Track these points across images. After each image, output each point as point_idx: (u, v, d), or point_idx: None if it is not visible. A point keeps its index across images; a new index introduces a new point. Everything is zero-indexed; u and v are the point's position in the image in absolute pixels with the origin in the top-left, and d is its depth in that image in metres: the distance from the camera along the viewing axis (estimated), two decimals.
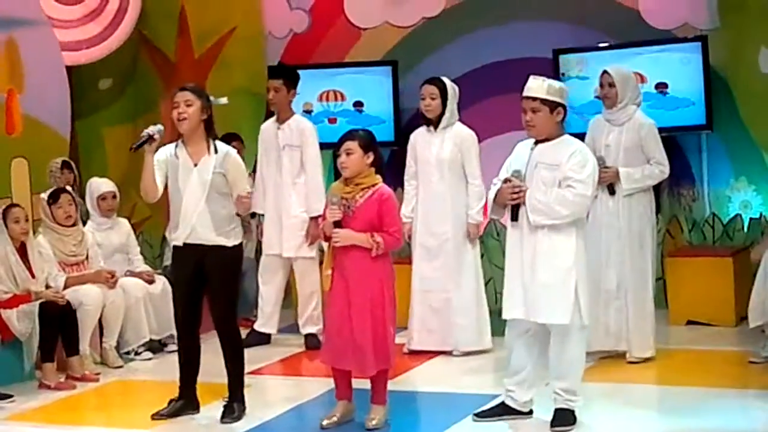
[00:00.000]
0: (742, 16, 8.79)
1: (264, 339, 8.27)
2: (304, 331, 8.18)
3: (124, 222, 8.41)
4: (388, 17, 9.91)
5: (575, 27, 9.29)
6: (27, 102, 8.70)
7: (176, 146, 6.16)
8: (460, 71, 9.38)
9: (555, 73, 9.06)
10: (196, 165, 6.10)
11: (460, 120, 7.72)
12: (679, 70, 8.80)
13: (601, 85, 7.13)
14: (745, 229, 8.85)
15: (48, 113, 8.88)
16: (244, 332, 8.32)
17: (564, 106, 5.72)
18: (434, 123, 7.65)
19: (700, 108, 8.75)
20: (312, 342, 8.02)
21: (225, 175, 6.10)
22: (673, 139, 9.04)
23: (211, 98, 6.22)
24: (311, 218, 7.99)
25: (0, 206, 7.52)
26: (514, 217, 5.74)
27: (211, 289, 6.19)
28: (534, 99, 5.66)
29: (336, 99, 9.85)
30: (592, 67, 8.64)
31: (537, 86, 5.69)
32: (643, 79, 8.71)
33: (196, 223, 6.08)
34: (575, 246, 5.65)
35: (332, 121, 9.75)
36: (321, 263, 8.14)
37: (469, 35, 9.63)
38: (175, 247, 6.24)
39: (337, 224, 5.79)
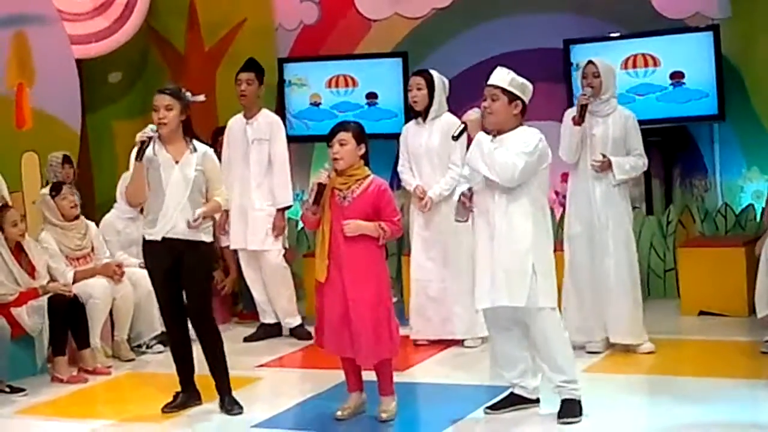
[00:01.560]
0: (754, 5, 8.76)
1: (275, 331, 8.29)
2: (289, 325, 8.22)
3: None
4: (398, 9, 9.89)
5: (586, 17, 9.26)
6: (37, 96, 8.71)
7: (154, 144, 6.18)
8: (471, 62, 9.37)
9: (566, 63, 9.04)
10: (177, 162, 6.17)
11: (460, 113, 7.72)
12: (691, 59, 8.77)
13: (585, 75, 7.11)
14: (758, 219, 8.82)
15: (58, 107, 8.89)
16: (252, 327, 8.40)
17: (523, 102, 5.78)
18: (422, 114, 7.67)
19: (713, 98, 8.72)
20: (301, 332, 8.07)
21: (204, 173, 6.19)
22: (685, 129, 9.02)
23: (188, 95, 6.24)
24: (278, 210, 8.10)
25: (13, 201, 7.54)
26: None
27: (186, 285, 6.23)
28: (495, 87, 5.76)
29: (347, 85, 9.82)
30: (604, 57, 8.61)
31: (501, 77, 5.80)
32: (656, 62, 8.74)
33: (178, 219, 6.13)
34: (532, 229, 5.68)
35: (343, 113, 9.72)
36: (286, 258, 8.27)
37: (479, 26, 9.61)
38: (150, 242, 6.26)
39: (321, 188, 5.79)
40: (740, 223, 8.88)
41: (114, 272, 7.75)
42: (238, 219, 8.17)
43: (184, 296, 6.29)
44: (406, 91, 9.45)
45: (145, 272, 7.89)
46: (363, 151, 5.86)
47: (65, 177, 8.24)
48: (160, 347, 7.93)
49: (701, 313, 8.32)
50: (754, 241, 8.33)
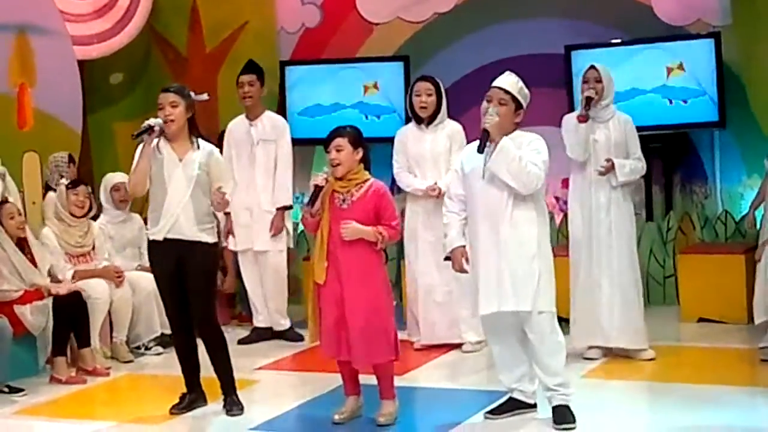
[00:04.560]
0: (755, 12, 8.76)
1: (267, 334, 8.29)
2: (281, 327, 8.23)
3: (137, 217, 8.43)
4: (400, 12, 9.90)
5: (587, 23, 9.27)
6: (39, 96, 8.71)
7: (158, 141, 6.20)
8: (472, 67, 9.38)
9: (566, 69, 9.04)
10: (181, 160, 6.18)
11: (461, 117, 7.76)
12: (692, 66, 8.78)
13: (586, 80, 7.11)
14: (758, 226, 8.81)
15: (59, 108, 8.89)
16: (247, 329, 8.39)
17: (524, 112, 5.80)
18: (427, 120, 7.68)
19: (713, 105, 8.72)
20: (294, 335, 8.09)
21: (208, 173, 6.19)
22: (685, 136, 9.03)
23: (192, 95, 6.27)
24: (278, 209, 8.14)
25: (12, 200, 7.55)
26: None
27: (190, 287, 6.22)
28: (506, 92, 5.74)
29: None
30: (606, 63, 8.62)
31: (511, 83, 5.79)
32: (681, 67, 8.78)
33: (180, 216, 6.13)
34: (537, 235, 5.69)
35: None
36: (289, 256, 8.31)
37: (480, 31, 9.62)
38: (153, 241, 6.27)
39: (318, 190, 5.79)
40: (740, 231, 8.88)
41: (114, 277, 7.75)
42: (244, 219, 8.17)
43: (188, 299, 6.26)
44: (407, 94, 9.51)
45: (142, 274, 8.02)
46: (360, 155, 5.85)
47: (72, 176, 8.25)
48: (159, 349, 7.95)
49: (701, 319, 8.33)
50: (754, 249, 8.34)
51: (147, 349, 7.94)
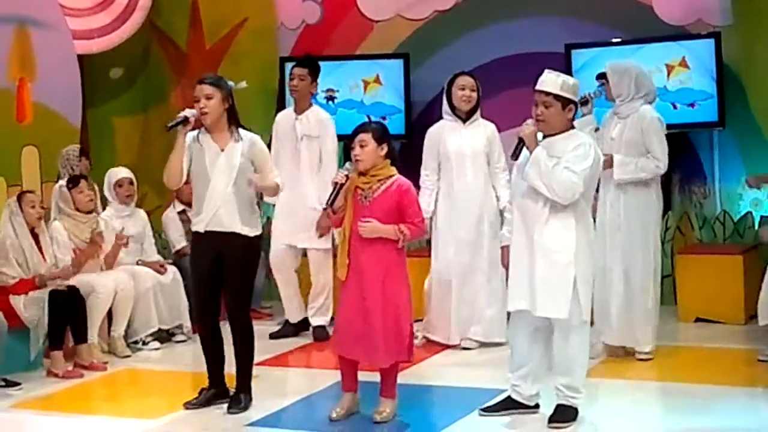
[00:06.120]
0: (756, 12, 8.77)
1: (300, 327, 8.23)
2: (314, 322, 8.17)
3: (142, 213, 8.47)
4: (400, 10, 9.89)
5: (587, 22, 9.26)
6: (38, 90, 8.71)
7: (198, 133, 6.17)
8: (472, 65, 9.33)
9: (567, 68, 9.03)
10: (222, 150, 6.11)
11: None
12: (692, 66, 8.77)
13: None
14: (756, 226, 8.83)
15: (59, 102, 8.89)
16: (257, 324, 8.36)
17: (576, 103, 5.70)
18: (465, 115, 7.65)
19: (713, 105, 8.72)
20: (320, 333, 8.03)
21: (252, 162, 6.13)
22: (685, 136, 9.02)
23: (231, 83, 6.20)
24: (324, 209, 8.01)
25: (12, 194, 7.55)
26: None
27: (227, 278, 6.19)
28: (547, 94, 5.61)
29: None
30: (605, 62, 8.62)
31: (551, 81, 5.64)
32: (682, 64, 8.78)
33: (221, 207, 6.08)
34: (576, 240, 5.60)
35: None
36: (334, 254, 8.23)
37: (481, 29, 9.61)
38: (195, 233, 6.25)
39: (338, 188, 5.76)
40: (738, 231, 8.88)
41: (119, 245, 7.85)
42: (286, 215, 8.10)
43: (225, 290, 6.24)
44: (407, 92, 9.51)
45: (142, 269, 8.02)
46: (385, 150, 5.82)
47: (83, 169, 8.27)
48: (156, 344, 7.94)
49: (698, 320, 8.33)
50: (752, 249, 8.36)
51: (144, 344, 7.94)
